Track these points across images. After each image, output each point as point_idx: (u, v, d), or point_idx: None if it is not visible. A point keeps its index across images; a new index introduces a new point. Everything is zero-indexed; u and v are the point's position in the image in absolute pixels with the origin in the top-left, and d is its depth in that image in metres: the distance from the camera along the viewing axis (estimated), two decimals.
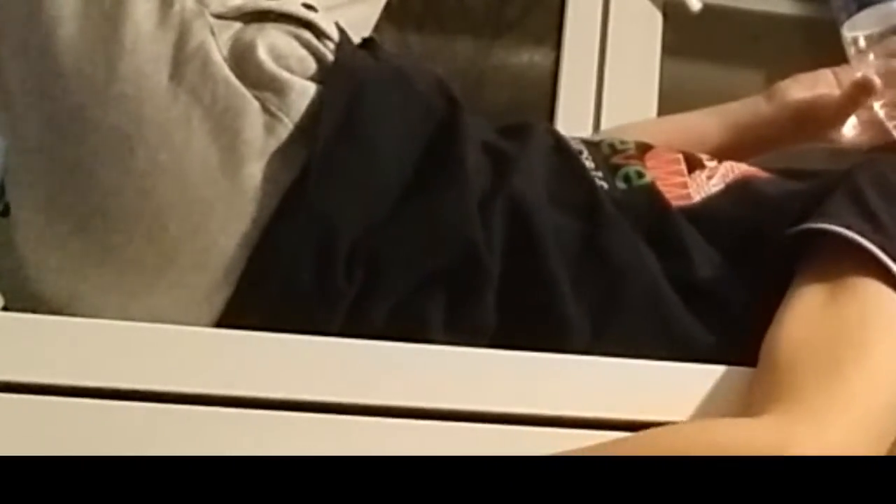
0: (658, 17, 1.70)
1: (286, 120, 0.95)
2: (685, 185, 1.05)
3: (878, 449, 0.83)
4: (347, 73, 0.99)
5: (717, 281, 0.97)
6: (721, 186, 1.05)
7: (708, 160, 1.08)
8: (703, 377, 0.88)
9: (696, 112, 1.30)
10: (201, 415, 0.84)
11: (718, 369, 0.88)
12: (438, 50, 1.72)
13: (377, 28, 1.23)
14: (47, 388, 0.84)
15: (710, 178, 1.06)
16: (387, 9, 1.24)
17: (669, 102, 1.62)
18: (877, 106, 1.16)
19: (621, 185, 1.04)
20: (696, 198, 1.03)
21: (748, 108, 1.25)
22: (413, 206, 0.97)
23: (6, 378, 0.83)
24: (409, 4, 1.68)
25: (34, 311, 0.93)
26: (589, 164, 1.06)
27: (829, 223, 0.92)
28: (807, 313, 0.89)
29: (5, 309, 1.00)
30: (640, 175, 1.04)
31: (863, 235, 0.90)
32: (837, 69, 1.23)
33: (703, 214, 1.02)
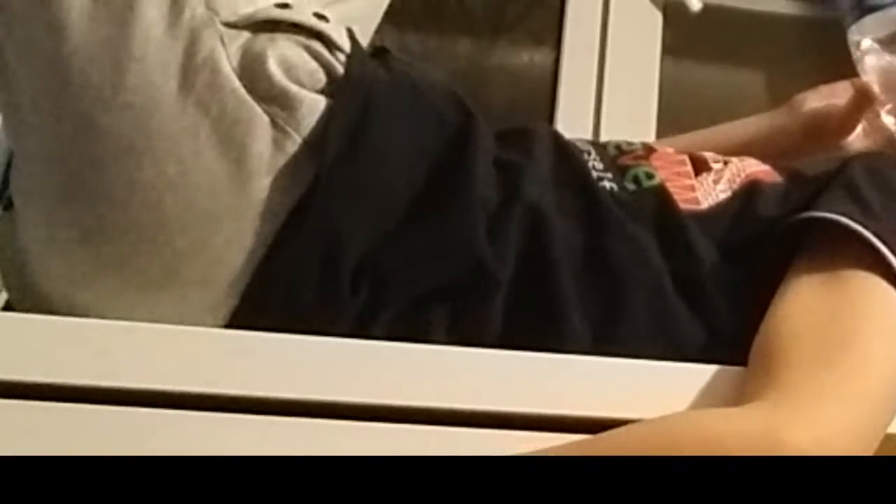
0: (658, 17, 1.70)
1: (295, 135, 0.95)
2: (693, 189, 1.04)
3: (870, 439, 0.83)
4: (357, 87, 0.98)
5: (723, 283, 0.97)
6: (728, 194, 1.04)
7: (713, 161, 1.08)
8: (702, 377, 0.88)
9: (716, 128, 1.30)
10: (201, 415, 0.84)
11: (718, 369, 0.88)
12: (438, 50, 1.72)
13: (377, 28, 1.23)
14: (47, 388, 0.84)
15: (716, 182, 1.05)
16: (387, 9, 1.24)
17: (669, 102, 1.62)
18: (882, 112, 1.16)
19: (630, 186, 1.04)
20: (704, 204, 1.03)
21: (765, 120, 1.26)
22: (420, 221, 0.96)
23: (6, 378, 0.83)
24: (409, 4, 1.68)
25: (38, 309, 0.93)
26: (597, 164, 1.05)
27: (821, 211, 0.92)
28: (799, 303, 0.89)
29: (9, 308, 1.00)
30: (650, 176, 1.04)
31: (854, 221, 0.90)
32: (857, 80, 1.23)
33: (711, 221, 1.01)
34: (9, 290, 1.00)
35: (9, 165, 1.06)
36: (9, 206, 0.99)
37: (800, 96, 1.25)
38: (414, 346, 0.88)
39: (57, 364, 0.85)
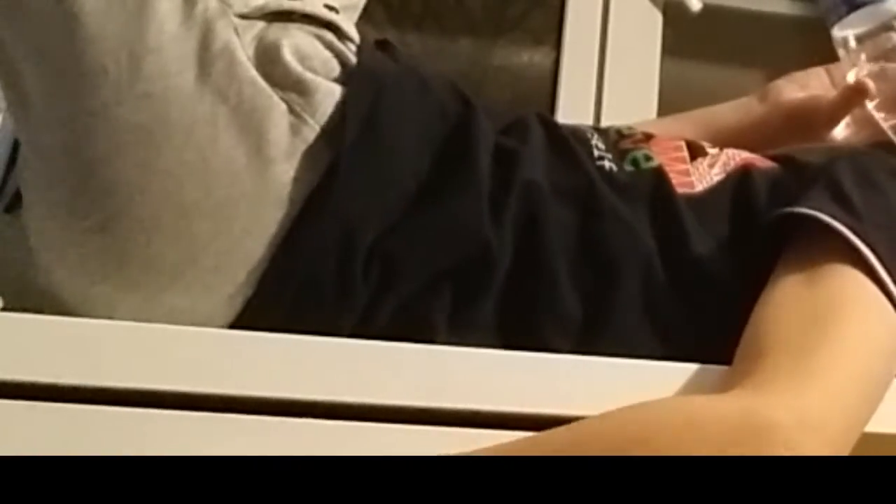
0: (658, 17, 1.70)
1: (311, 121, 0.95)
2: (688, 173, 1.06)
3: (851, 423, 0.83)
4: (370, 76, 1.00)
5: (712, 268, 0.98)
6: (722, 176, 1.06)
7: (710, 147, 1.10)
8: (698, 376, 0.88)
9: (686, 114, 1.31)
10: (201, 415, 0.84)
11: (714, 368, 0.89)
12: (438, 50, 1.72)
13: (377, 28, 1.23)
14: (47, 388, 0.84)
15: (711, 166, 1.07)
16: (387, 9, 1.24)
17: (669, 102, 1.62)
18: (870, 106, 1.16)
19: (629, 167, 1.05)
20: (699, 187, 1.04)
21: (741, 110, 1.25)
22: (428, 207, 0.97)
23: (6, 378, 0.83)
24: (409, 4, 1.68)
25: (39, 311, 0.93)
26: (599, 144, 1.07)
27: (804, 207, 0.94)
28: (782, 296, 0.90)
29: (5, 309, 1.00)
30: (648, 158, 1.06)
31: (834, 218, 0.92)
32: (830, 66, 1.23)
33: (704, 204, 1.03)
34: (5, 294, 0.99)
35: (11, 164, 1.05)
36: (9, 208, 0.99)
37: (774, 85, 1.24)
38: (414, 346, 0.89)
39: (57, 364, 0.85)
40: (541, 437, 0.83)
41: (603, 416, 0.83)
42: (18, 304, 0.97)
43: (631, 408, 0.83)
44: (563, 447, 0.81)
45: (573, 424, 0.83)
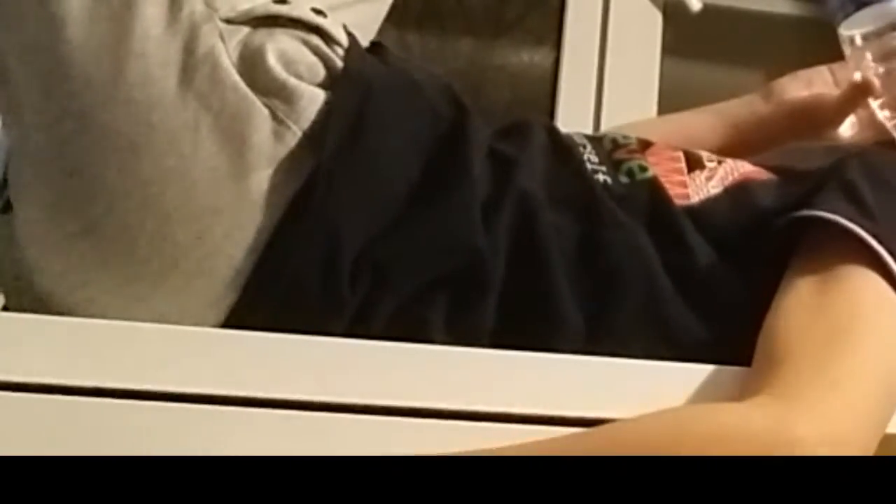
0: (658, 17, 1.70)
1: (294, 127, 0.95)
2: (684, 185, 1.05)
3: (873, 432, 0.84)
4: (356, 80, 0.99)
5: (715, 275, 0.98)
6: (720, 189, 1.05)
7: (708, 160, 1.09)
8: (701, 377, 0.88)
9: (692, 111, 1.30)
10: (201, 414, 0.84)
11: (716, 369, 0.89)
12: (438, 50, 1.72)
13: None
14: (47, 388, 0.84)
15: (709, 179, 1.06)
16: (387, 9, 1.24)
17: (669, 102, 1.62)
18: (874, 105, 1.16)
19: (624, 179, 1.04)
20: (695, 199, 1.04)
21: (745, 107, 1.25)
22: (418, 214, 0.97)
23: (6, 378, 0.83)
24: (409, 4, 1.68)
25: (36, 311, 0.93)
26: (592, 157, 1.06)
27: (819, 209, 0.93)
28: (799, 302, 0.90)
29: (5, 308, 1.00)
30: (643, 169, 1.05)
31: (851, 220, 0.91)
32: (834, 66, 1.23)
33: (701, 215, 1.02)
34: (6, 294, 1.00)
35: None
36: (7, 208, 0.99)
37: (778, 83, 1.24)
38: (413, 346, 0.89)
39: (57, 364, 0.85)
40: (564, 440, 0.83)
41: (629, 423, 0.83)
42: (18, 303, 0.97)
43: (657, 416, 0.83)
44: (587, 452, 0.81)
45: (598, 428, 0.83)
